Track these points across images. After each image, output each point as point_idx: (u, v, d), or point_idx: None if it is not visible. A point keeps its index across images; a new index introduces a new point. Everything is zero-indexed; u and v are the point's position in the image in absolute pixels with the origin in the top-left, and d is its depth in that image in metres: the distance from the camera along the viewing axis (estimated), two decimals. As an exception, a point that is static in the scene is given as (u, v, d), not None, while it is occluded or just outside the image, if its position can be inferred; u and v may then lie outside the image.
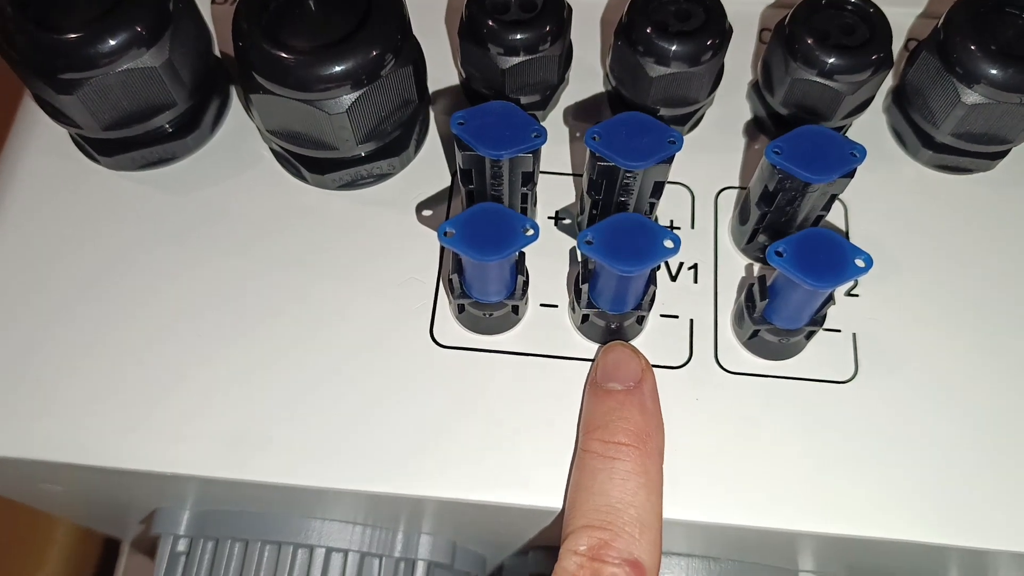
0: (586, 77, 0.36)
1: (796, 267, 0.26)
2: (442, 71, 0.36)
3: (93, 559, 0.66)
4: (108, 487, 0.33)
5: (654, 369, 0.30)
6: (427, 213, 0.33)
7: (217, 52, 0.36)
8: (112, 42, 0.29)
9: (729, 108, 0.35)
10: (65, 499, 0.37)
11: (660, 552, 0.26)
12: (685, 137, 0.35)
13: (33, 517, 0.60)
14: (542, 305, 0.32)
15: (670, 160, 0.28)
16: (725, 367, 0.31)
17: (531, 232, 0.26)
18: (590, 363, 0.31)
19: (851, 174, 0.28)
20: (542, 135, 0.28)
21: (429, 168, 0.34)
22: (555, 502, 0.29)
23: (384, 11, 0.29)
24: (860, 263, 0.26)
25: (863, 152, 0.28)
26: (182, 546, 0.36)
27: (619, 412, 0.28)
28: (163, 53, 0.30)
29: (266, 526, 0.35)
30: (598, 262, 0.27)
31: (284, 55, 0.29)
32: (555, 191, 0.34)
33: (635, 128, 0.28)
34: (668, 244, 0.26)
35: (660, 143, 0.28)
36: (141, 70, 0.30)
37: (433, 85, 0.36)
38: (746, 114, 0.35)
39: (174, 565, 0.36)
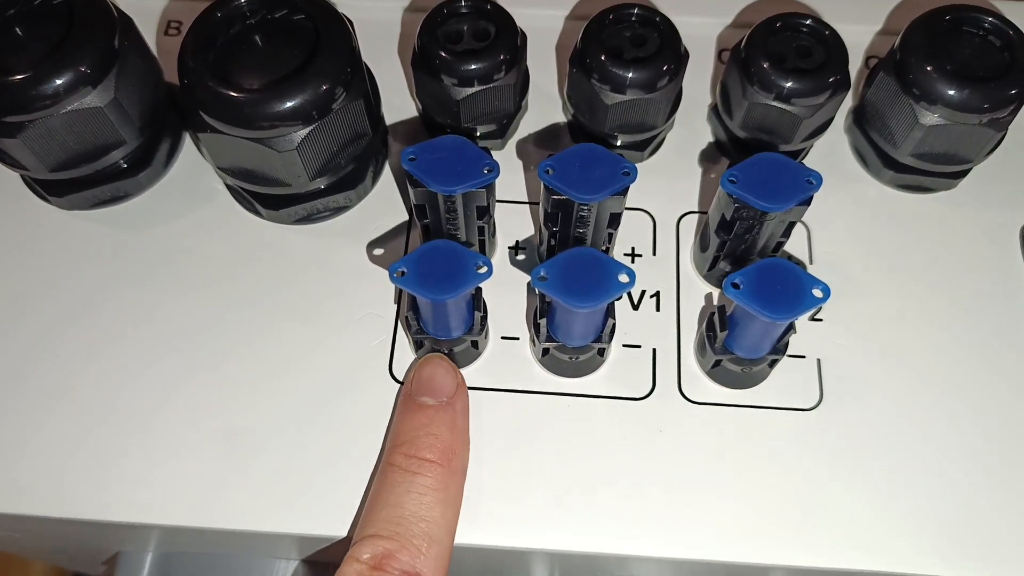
0: (545, 104, 0.36)
1: (753, 299, 0.25)
2: (401, 101, 0.36)
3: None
4: (67, 535, 0.33)
5: (618, 400, 0.30)
6: (378, 252, 0.33)
7: (168, 84, 0.35)
8: (56, 83, 0.28)
9: (689, 132, 0.35)
10: (27, 544, 0.37)
11: (446, 568, 0.26)
12: (645, 162, 0.34)
13: (8, 553, 0.59)
14: (503, 338, 0.31)
15: (625, 192, 0.28)
16: (689, 397, 0.30)
17: (484, 269, 0.26)
18: (554, 396, 0.30)
19: (808, 201, 0.27)
20: (494, 169, 0.27)
21: (387, 199, 0.34)
22: (523, 542, 0.28)
23: (332, 44, 0.29)
24: (818, 293, 0.26)
25: (819, 179, 0.27)
26: (146, 589, 0.35)
27: (428, 428, 0.28)
28: (109, 92, 0.30)
29: (229, 567, 0.34)
30: (554, 298, 0.26)
31: (231, 93, 0.28)
32: (517, 220, 0.33)
33: (588, 160, 0.27)
34: (623, 279, 0.26)
35: (614, 175, 0.27)
36: (87, 111, 0.29)
37: (391, 115, 0.35)
38: (707, 137, 0.35)
39: (138, 609, 0.35)
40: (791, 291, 0.26)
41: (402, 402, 0.29)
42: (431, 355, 0.30)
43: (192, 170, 0.35)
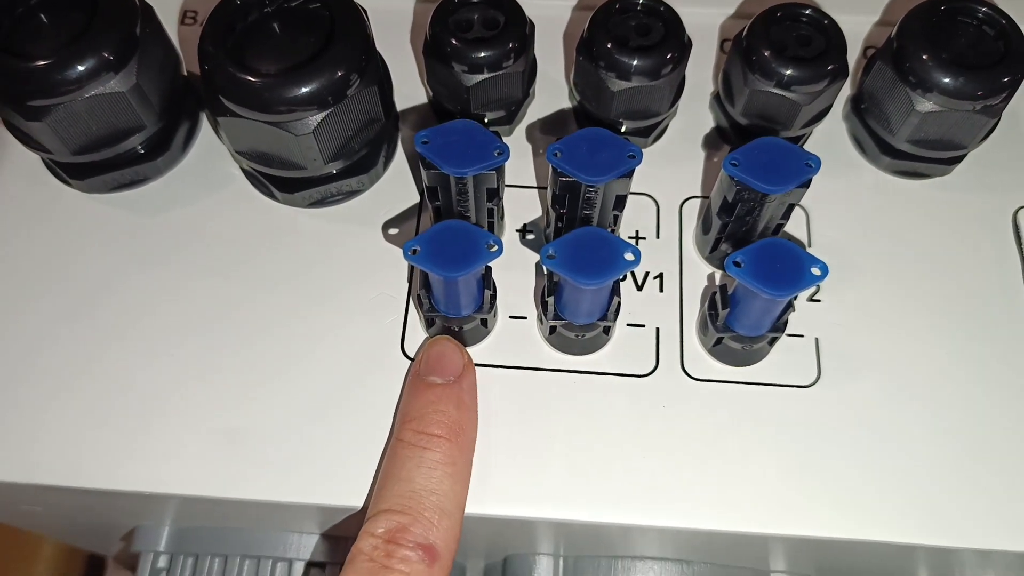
0: (552, 91, 0.37)
1: (754, 277, 0.26)
2: (411, 88, 0.37)
3: (79, 574, 0.66)
4: (88, 507, 0.34)
5: (622, 377, 0.31)
6: (393, 231, 0.34)
7: (186, 72, 0.36)
8: (80, 68, 0.29)
9: (692, 118, 0.36)
10: (45, 519, 0.38)
11: (457, 540, 0.27)
12: (649, 148, 0.35)
13: (20, 534, 0.60)
14: (511, 317, 0.32)
15: (630, 174, 0.29)
16: (691, 374, 0.31)
17: (495, 248, 0.27)
18: (560, 373, 0.31)
19: (807, 184, 0.28)
20: (505, 152, 0.28)
21: (399, 184, 0.35)
22: (532, 512, 0.29)
23: (348, 32, 0.30)
24: (816, 271, 0.27)
25: (818, 162, 0.28)
26: (162, 563, 0.36)
27: (436, 405, 0.28)
28: (131, 77, 0.30)
29: (245, 541, 0.35)
30: (561, 276, 0.27)
31: (250, 78, 0.29)
32: (524, 204, 0.34)
33: (596, 143, 0.28)
34: (629, 257, 0.27)
35: (620, 158, 0.28)
36: (109, 95, 0.30)
37: (401, 102, 0.36)
38: (709, 124, 0.36)
39: (155, 582, 0.36)
40: (791, 269, 0.27)
41: (411, 381, 0.30)
42: (439, 336, 0.31)
43: (209, 155, 0.35)
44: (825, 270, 0.27)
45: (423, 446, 0.28)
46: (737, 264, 0.27)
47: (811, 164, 0.28)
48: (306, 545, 0.35)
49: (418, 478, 0.27)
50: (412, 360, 0.31)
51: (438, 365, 0.30)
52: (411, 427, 0.28)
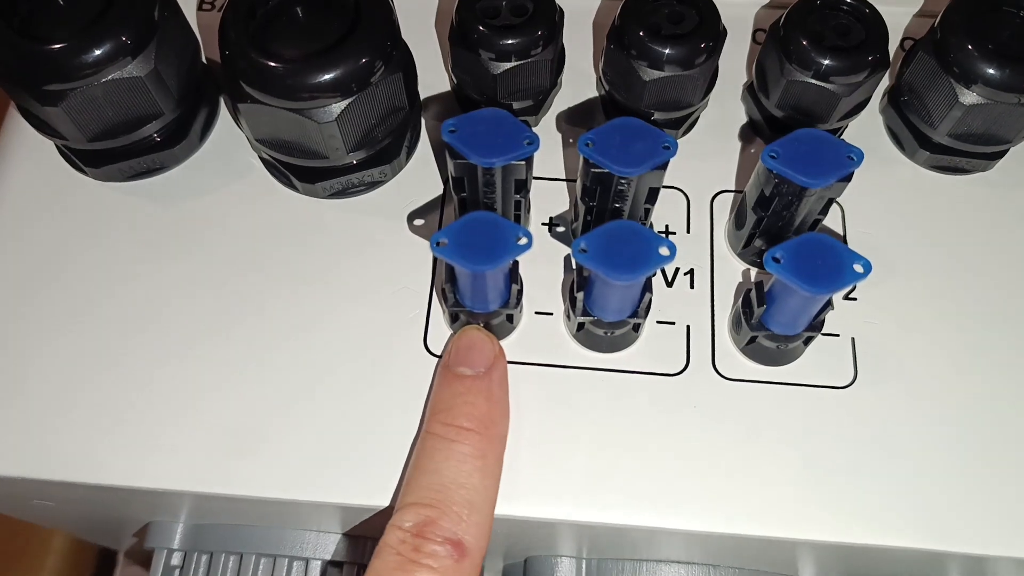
0: (579, 81, 0.36)
1: (794, 273, 0.25)
2: (433, 77, 0.36)
3: (90, 569, 0.65)
4: (101, 503, 0.33)
5: (651, 376, 0.30)
6: (419, 223, 0.33)
7: (204, 59, 0.35)
8: (97, 52, 0.29)
9: (724, 111, 0.35)
10: (58, 514, 0.37)
11: (487, 536, 0.26)
12: (680, 141, 0.34)
13: (31, 527, 0.60)
14: (537, 313, 0.31)
15: (664, 166, 0.28)
16: (723, 373, 0.30)
17: (524, 241, 0.26)
18: (588, 371, 0.30)
19: (848, 178, 0.27)
20: (534, 142, 0.27)
21: (421, 175, 0.34)
22: (555, 513, 0.28)
23: (373, 18, 0.29)
24: (859, 268, 0.26)
25: (860, 155, 0.27)
26: (176, 560, 0.36)
27: (465, 397, 0.28)
28: (149, 62, 0.30)
29: (261, 539, 0.34)
30: (593, 271, 0.26)
31: (272, 63, 0.28)
32: (549, 197, 0.34)
33: (629, 134, 0.27)
34: (664, 251, 0.26)
35: (654, 149, 0.27)
36: (127, 80, 0.29)
37: (424, 91, 0.35)
38: (741, 117, 0.35)
39: (169, 579, 0.35)
40: (831, 266, 0.26)
41: (440, 372, 0.29)
42: (469, 326, 0.30)
43: (227, 144, 0.35)
44: (868, 267, 0.26)
45: (452, 438, 0.27)
46: (776, 260, 0.26)
47: (853, 157, 0.27)
48: (323, 544, 0.34)
49: (447, 471, 0.26)
50: (436, 356, 0.30)
51: (467, 356, 0.29)
52: (440, 419, 0.28)
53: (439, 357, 0.30)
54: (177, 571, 0.36)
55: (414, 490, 0.26)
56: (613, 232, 0.26)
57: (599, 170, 0.28)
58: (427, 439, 0.27)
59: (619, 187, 0.28)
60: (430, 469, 0.26)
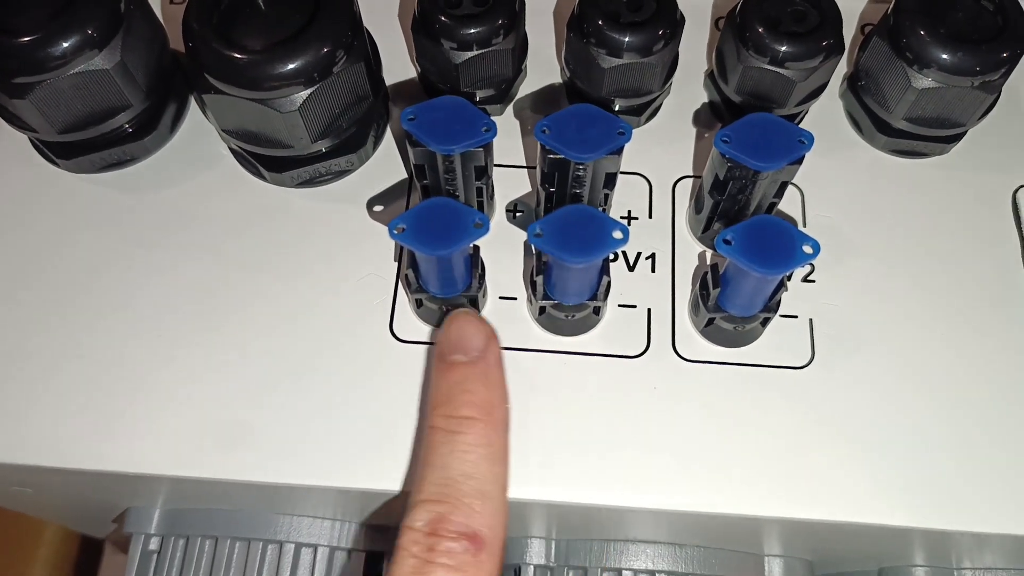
0: (544, 69, 0.36)
1: (744, 255, 0.26)
2: (400, 65, 0.36)
3: (79, 557, 0.66)
4: (78, 488, 0.33)
5: (613, 359, 0.31)
6: (378, 209, 0.33)
7: (173, 51, 0.36)
8: (63, 45, 0.29)
9: (686, 97, 0.36)
10: (37, 501, 0.37)
11: (503, 523, 0.26)
12: (642, 127, 0.35)
13: (24, 518, 0.60)
14: (501, 298, 0.32)
15: (620, 151, 0.28)
16: (683, 355, 0.31)
17: (481, 226, 0.26)
18: (551, 354, 0.31)
19: (799, 161, 0.28)
20: (492, 129, 0.28)
21: (389, 163, 0.35)
22: (521, 493, 0.29)
23: (334, 7, 0.29)
24: (808, 249, 0.26)
25: (811, 139, 0.28)
26: (154, 545, 0.36)
27: (463, 385, 0.27)
28: (115, 55, 0.30)
29: (236, 523, 0.35)
30: (549, 254, 0.27)
31: (234, 54, 0.29)
32: (514, 183, 0.34)
33: (584, 120, 0.28)
34: (617, 235, 0.26)
35: (609, 134, 0.28)
36: (93, 72, 0.30)
37: (391, 80, 0.36)
38: (703, 103, 0.36)
39: (146, 564, 0.36)
40: (782, 247, 0.26)
41: (435, 364, 0.29)
42: (457, 312, 0.29)
43: (197, 135, 0.35)
44: (817, 248, 0.26)
45: (454, 430, 0.26)
46: (727, 242, 0.26)
47: (804, 140, 0.28)
48: (297, 527, 0.34)
49: (453, 464, 0.26)
50: (402, 342, 0.31)
51: (459, 343, 0.28)
52: (441, 412, 0.27)
53: (405, 342, 0.31)
54: (155, 555, 0.36)
55: (423, 487, 0.26)
56: (568, 216, 0.27)
57: (556, 156, 0.28)
58: (431, 434, 0.27)
59: (576, 173, 0.29)
60: (437, 464, 0.26)
